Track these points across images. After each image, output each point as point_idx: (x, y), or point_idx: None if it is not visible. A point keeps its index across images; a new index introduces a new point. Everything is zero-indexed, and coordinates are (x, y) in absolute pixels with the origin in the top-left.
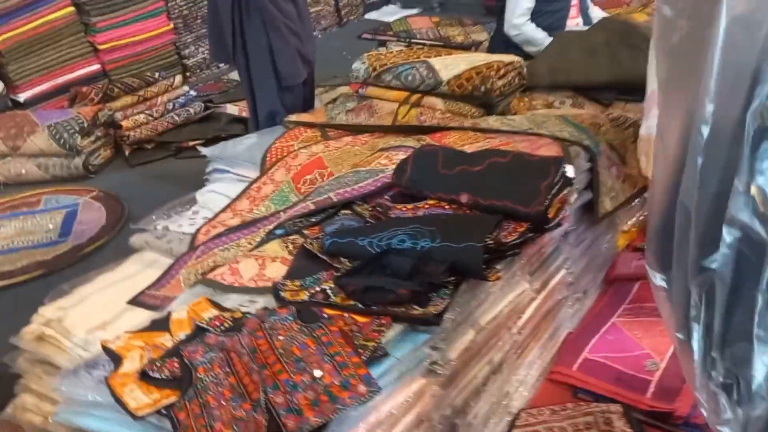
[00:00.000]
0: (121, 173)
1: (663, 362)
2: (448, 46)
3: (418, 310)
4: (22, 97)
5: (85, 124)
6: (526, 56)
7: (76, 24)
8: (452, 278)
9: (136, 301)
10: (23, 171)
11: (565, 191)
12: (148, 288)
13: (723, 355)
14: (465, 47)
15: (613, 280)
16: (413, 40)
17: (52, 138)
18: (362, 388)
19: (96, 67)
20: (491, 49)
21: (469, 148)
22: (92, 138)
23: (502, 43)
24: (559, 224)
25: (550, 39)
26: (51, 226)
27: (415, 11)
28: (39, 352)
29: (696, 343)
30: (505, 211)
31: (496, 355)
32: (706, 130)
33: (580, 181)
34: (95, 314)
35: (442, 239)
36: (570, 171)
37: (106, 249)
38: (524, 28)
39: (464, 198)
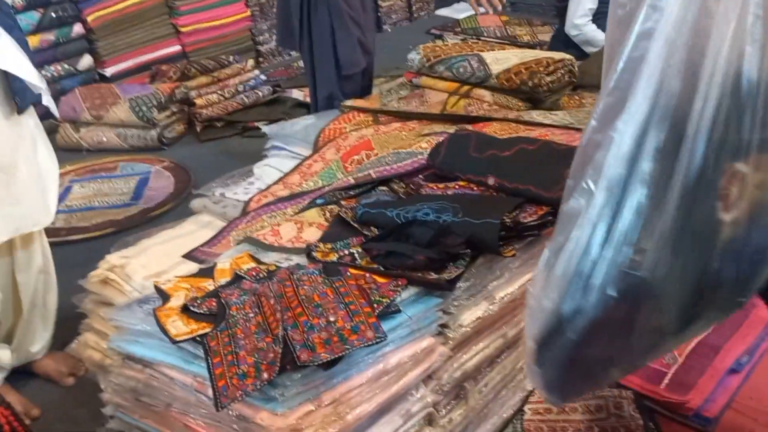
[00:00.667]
0: (191, 147)
1: (682, 357)
2: (514, 44)
3: (432, 276)
4: (108, 71)
5: (163, 100)
6: (586, 56)
7: (162, 6)
8: (469, 251)
9: (189, 256)
10: (104, 139)
11: None
12: (202, 245)
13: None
14: (531, 47)
15: None
16: (480, 38)
17: (132, 110)
18: (370, 334)
19: (177, 48)
20: (551, 48)
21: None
22: (168, 113)
23: (561, 42)
24: None
25: None
26: (125, 190)
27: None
28: (102, 293)
29: (546, 258)
30: (528, 195)
31: (510, 330)
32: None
33: None
34: (153, 264)
35: (463, 215)
36: None
37: (171, 213)
38: (585, 28)
39: (491, 180)
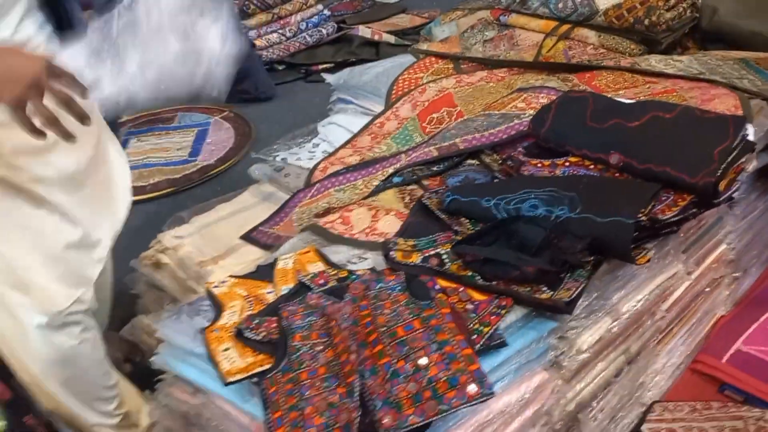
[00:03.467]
0: None
1: None
2: None
3: (546, 294)
4: None
5: None
6: None
7: None
8: (591, 258)
9: (248, 238)
10: None
11: (743, 159)
12: (262, 224)
13: None
14: None
15: None
16: None
17: None
18: (472, 389)
19: None
20: None
21: (624, 94)
22: None
23: None
24: (730, 198)
25: None
26: (183, 144)
27: None
28: (155, 278)
29: None
30: (665, 179)
31: (634, 344)
32: None
33: (759, 141)
34: (209, 247)
35: (584, 209)
36: (751, 133)
37: (232, 171)
38: None
39: (614, 159)
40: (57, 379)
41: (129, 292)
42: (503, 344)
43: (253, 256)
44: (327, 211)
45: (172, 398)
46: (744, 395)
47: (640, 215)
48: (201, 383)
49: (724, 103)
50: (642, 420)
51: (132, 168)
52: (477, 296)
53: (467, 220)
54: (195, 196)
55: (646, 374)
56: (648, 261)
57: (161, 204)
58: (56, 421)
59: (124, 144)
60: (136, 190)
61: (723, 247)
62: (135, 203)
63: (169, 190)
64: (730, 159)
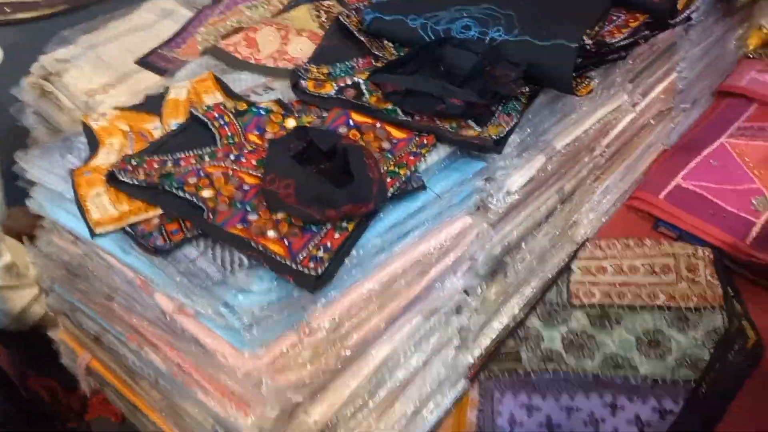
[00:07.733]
0: None
1: None
2: None
3: (473, 130)
4: None
5: None
6: None
7: None
8: (526, 88)
9: (144, 62)
10: None
11: None
12: (161, 47)
13: None
14: None
15: (726, 93)
16: None
17: None
18: None
19: None
20: None
21: None
22: None
23: None
24: (688, 19)
25: None
26: None
27: None
28: (41, 107)
29: None
30: None
31: (569, 183)
32: None
33: None
34: (98, 72)
35: (522, 30)
36: None
37: None
38: None
39: None
40: None
41: (17, 125)
42: (422, 188)
43: (147, 84)
44: (236, 31)
45: (52, 246)
46: (678, 231)
47: (585, 38)
48: (78, 232)
49: None
50: (572, 258)
51: None
52: (396, 134)
53: (391, 44)
54: (95, 13)
55: (579, 213)
56: (590, 92)
57: (55, 23)
58: None
59: None
60: (29, 6)
61: (673, 75)
62: (27, 21)
63: (65, 7)
64: None
